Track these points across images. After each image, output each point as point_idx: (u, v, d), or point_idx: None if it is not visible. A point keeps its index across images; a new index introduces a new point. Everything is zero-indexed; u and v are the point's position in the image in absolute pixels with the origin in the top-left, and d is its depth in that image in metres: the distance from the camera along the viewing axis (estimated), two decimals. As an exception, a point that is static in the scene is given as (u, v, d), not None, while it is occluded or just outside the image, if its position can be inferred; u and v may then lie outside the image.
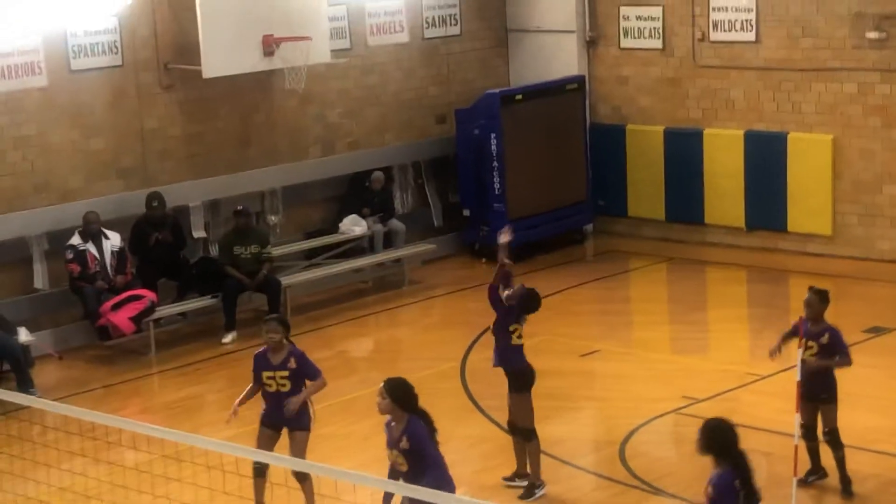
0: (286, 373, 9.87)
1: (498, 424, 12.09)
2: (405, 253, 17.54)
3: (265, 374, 9.91)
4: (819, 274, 16.06)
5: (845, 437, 10.40)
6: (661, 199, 18.75)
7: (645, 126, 18.84)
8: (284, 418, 9.90)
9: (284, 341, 9.96)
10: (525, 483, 10.65)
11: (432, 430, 8.57)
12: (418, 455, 8.44)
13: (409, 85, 18.59)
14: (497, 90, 18.28)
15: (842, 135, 17.20)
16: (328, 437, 12.04)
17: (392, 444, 8.56)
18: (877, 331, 14.15)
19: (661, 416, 12.21)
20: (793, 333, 10.25)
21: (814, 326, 10.20)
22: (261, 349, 10.05)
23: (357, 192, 17.67)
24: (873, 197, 17.04)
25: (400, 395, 8.50)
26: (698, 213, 18.43)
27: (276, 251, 16.27)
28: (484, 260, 18.24)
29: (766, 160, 17.69)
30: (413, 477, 8.39)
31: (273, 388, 9.90)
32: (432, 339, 15.18)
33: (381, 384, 8.53)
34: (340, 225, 17.27)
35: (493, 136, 17.91)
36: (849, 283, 15.68)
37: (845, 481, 10.33)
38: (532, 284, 16.78)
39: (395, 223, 17.79)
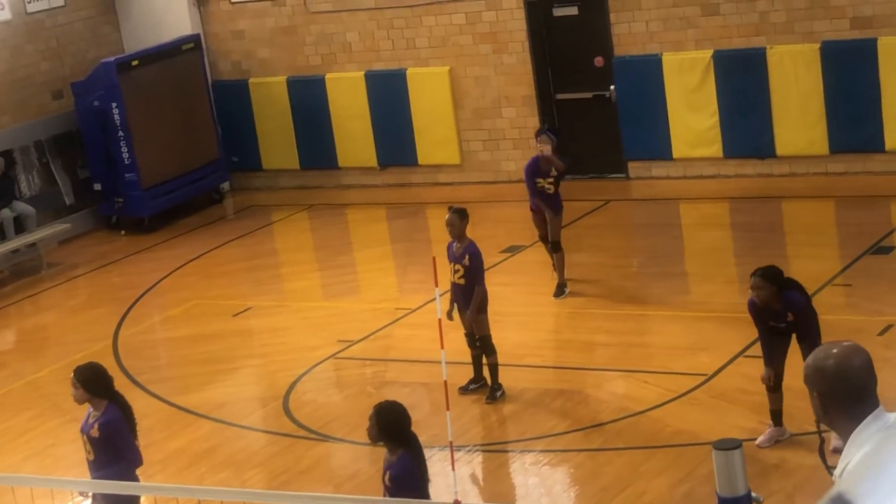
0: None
1: (158, 397, 11.98)
2: (39, 236, 16.96)
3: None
4: (452, 202, 16.47)
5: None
6: (294, 149, 18.86)
7: (267, 78, 18.85)
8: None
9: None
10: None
11: (130, 418, 8.18)
12: (107, 446, 8.07)
13: (18, 63, 17.89)
14: (112, 58, 17.84)
15: (457, 65, 17.73)
16: (-17, 439, 11.60)
17: (84, 428, 8.20)
18: (513, 250, 14.76)
19: (321, 362, 12.37)
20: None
21: (458, 245, 10.90)
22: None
23: (-22, 181, 16.96)
24: (494, 121, 17.69)
25: (92, 382, 8.13)
26: (331, 158, 18.64)
27: None
28: (123, 232, 17.87)
29: (388, 98, 18.04)
30: (96, 468, 8.07)
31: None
32: (80, 321, 14.78)
33: (72, 374, 8.21)
34: (-34, 217, 16.55)
35: (114, 105, 17.50)
36: (482, 208, 16.21)
37: (493, 388, 11.00)
38: (174, 249, 16.84)
39: (23, 206, 17.17)
